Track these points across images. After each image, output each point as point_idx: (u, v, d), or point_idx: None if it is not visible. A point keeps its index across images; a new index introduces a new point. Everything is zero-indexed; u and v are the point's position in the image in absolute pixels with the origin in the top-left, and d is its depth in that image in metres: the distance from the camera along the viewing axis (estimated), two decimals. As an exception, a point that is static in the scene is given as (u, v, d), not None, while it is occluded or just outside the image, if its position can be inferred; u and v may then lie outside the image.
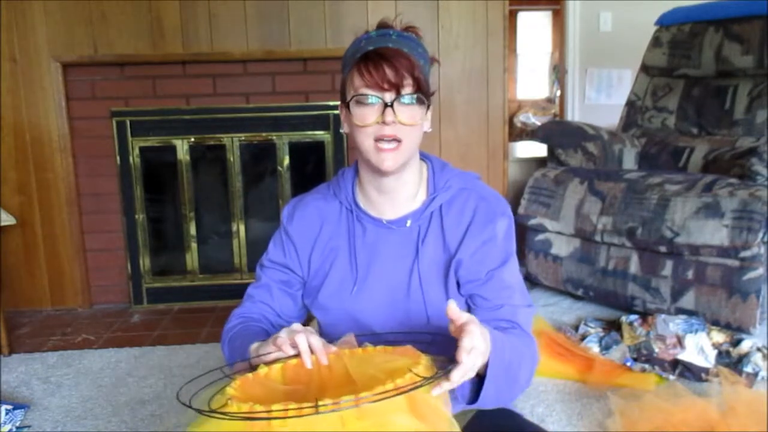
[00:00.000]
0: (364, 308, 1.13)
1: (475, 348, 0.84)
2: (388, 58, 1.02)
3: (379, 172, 1.08)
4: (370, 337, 0.99)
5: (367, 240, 1.14)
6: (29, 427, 1.86)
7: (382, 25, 1.09)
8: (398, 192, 1.13)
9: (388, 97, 1.03)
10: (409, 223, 1.13)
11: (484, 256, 1.11)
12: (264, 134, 2.90)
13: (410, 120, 1.04)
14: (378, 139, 1.04)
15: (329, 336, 1.17)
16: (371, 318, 1.12)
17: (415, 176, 1.13)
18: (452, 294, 1.12)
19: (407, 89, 1.03)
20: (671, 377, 1.98)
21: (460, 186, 1.14)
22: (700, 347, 2.04)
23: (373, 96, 1.03)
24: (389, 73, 1.02)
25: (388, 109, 1.02)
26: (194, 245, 2.97)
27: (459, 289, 1.13)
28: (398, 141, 1.04)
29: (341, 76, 1.11)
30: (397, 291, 1.12)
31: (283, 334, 0.93)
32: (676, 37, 2.99)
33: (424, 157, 1.17)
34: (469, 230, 1.12)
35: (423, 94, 1.05)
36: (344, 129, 1.12)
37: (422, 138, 1.10)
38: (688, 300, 2.26)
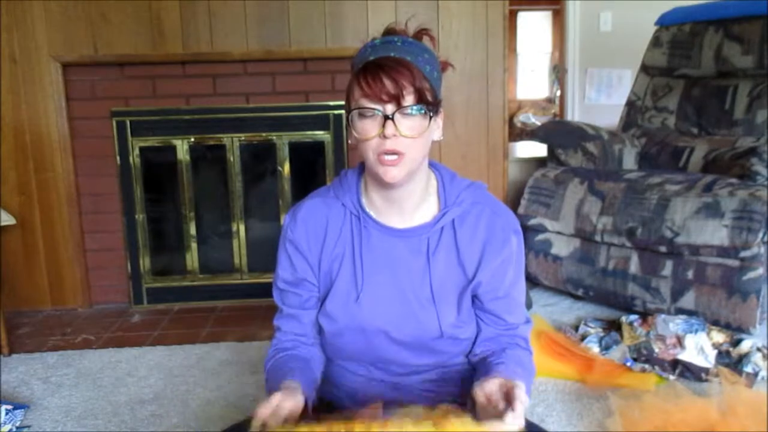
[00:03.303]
0: (371, 317, 1.11)
1: (524, 402, 0.91)
2: (387, 69, 0.99)
3: (384, 184, 1.06)
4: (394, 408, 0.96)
5: (373, 247, 1.12)
6: (29, 427, 1.85)
7: (389, 32, 1.07)
8: (404, 201, 1.11)
9: (389, 109, 1.00)
10: (422, 230, 1.12)
11: (501, 276, 1.13)
12: (264, 134, 2.89)
13: (411, 132, 1.01)
14: (380, 154, 1.01)
15: (336, 346, 1.16)
16: (379, 328, 1.11)
17: (422, 185, 1.12)
18: (465, 309, 1.13)
19: (408, 100, 1.00)
20: (671, 377, 1.98)
21: (471, 200, 1.13)
22: (700, 347, 2.04)
23: (373, 109, 1.00)
24: (388, 84, 0.99)
25: (389, 122, 0.99)
26: (194, 245, 2.97)
27: (473, 303, 1.15)
28: (400, 154, 1.01)
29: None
30: (406, 301, 1.11)
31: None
32: (676, 37, 2.99)
33: (431, 166, 1.15)
34: (486, 250, 1.12)
35: (427, 104, 1.02)
36: (351, 140, 1.08)
37: (430, 147, 1.08)
38: (688, 300, 2.26)
